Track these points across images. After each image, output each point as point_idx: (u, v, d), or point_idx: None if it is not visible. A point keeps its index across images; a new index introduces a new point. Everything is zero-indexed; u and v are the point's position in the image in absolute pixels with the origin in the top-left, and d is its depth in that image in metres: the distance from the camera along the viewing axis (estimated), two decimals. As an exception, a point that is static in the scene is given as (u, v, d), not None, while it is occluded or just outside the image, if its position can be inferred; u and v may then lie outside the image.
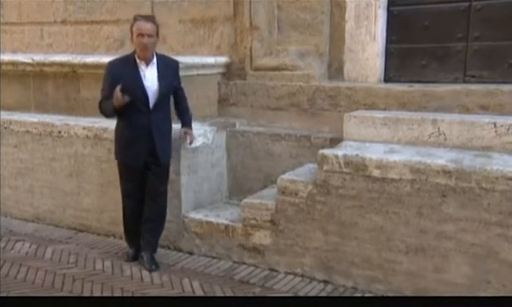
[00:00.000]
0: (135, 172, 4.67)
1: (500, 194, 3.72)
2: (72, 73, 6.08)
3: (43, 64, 6.27)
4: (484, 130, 4.21)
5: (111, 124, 5.36)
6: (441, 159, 4.02)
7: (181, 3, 6.18)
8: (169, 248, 5.21)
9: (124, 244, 5.15)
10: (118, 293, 4.30)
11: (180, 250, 5.17)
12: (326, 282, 4.49)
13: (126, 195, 4.79)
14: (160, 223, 4.84)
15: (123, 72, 4.39)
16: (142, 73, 4.43)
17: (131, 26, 4.42)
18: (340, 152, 4.35)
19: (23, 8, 7.47)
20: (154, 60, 4.48)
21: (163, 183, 4.74)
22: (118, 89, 4.23)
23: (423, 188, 4.00)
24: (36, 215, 6.10)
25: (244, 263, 4.86)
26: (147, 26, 4.36)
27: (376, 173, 4.17)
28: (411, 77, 5.20)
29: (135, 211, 4.79)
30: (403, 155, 4.17)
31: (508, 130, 4.13)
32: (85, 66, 5.98)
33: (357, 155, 4.25)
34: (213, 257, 5.01)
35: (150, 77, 4.45)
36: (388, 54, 5.32)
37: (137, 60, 4.43)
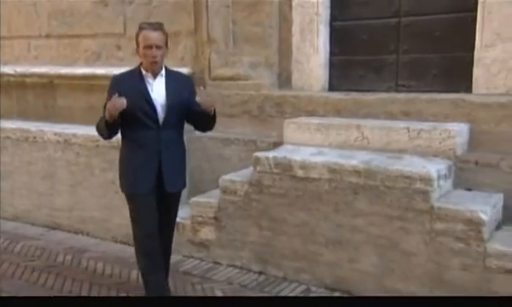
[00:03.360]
0: (146, 203, 4.02)
1: (400, 191, 4.14)
2: (49, 84, 6.62)
3: (25, 75, 6.85)
4: (399, 134, 4.64)
5: (79, 130, 5.92)
6: (355, 160, 4.44)
7: (149, 18, 6.64)
8: (128, 244, 5.64)
9: (91, 240, 5.67)
10: (69, 283, 4.77)
11: (138, 245, 5.61)
12: (261, 273, 4.92)
13: (145, 235, 4.07)
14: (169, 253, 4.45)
15: (128, 86, 3.87)
16: (149, 86, 3.92)
17: (137, 36, 3.91)
18: (270, 154, 4.79)
19: (12, 23, 8.00)
20: (163, 72, 3.99)
21: (168, 214, 4.26)
22: (116, 96, 3.74)
23: (339, 187, 4.43)
24: (15, 214, 6.62)
25: (192, 257, 5.30)
26: (154, 36, 3.84)
27: (300, 173, 4.60)
28: (351, 86, 5.61)
29: (155, 252, 4.15)
30: (324, 157, 4.60)
31: (418, 134, 4.55)
32: (60, 76, 6.54)
33: (284, 157, 4.69)
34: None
35: (158, 89, 3.94)
36: (332, 65, 5.74)
37: (143, 72, 3.93)
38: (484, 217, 3.84)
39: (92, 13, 7.07)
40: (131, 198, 4.07)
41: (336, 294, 4.47)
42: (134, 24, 6.58)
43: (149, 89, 3.93)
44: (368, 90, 5.47)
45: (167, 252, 4.38)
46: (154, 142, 3.94)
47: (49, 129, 6.24)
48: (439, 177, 4.12)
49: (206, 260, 5.22)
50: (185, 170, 4.26)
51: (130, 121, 3.88)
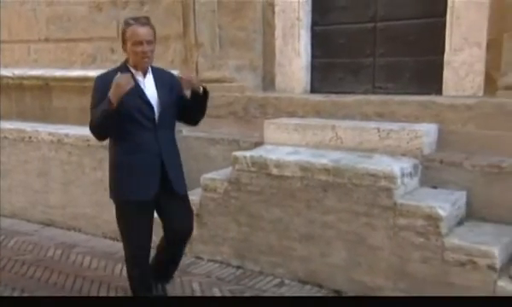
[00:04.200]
0: (144, 212, 3.83)
1: (366, 188, 4.34)
2: (45, 86, 6.88)
3: (22, 77, 7.11)
4: (370, 134, 4.84)
5: (72, 130, 6.17)
6: (326, 159, 4.65)
7: (141, 23, 6.91)
8: (117, 240, 5.87)
9: (82, 236, 5.94)
10: (55, 275, 5.02)
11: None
12: (238, 268, 5.13)
13: (137, 246, 3.94)
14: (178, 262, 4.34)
15: None
16: (141, 84, 3.73)
17: (123, 32, 3.70)
18: (248, 153, 5.01)
19: (13, 28, 8.27)
20: (150, 69, 3.81)
21: (189, 215, 4.15)
22: (119, 75, 3.56)
23: (310, 184, 4.64)
24: (12, 211, 6.89)
25: (177, 253, 5.51)
26: (144, 31, 3.64)
27: (275, 171, 4.82)
28: (332, 88, 5.82)
29: (147, 263, 4.08)
30: (298, 156, 4.82)
31: (388, 134, 4.75)
32: (55, 79, 6.80)
33: (260, 156, 4.91)
34: (153, 248, 5.66)
35: (149, 87, 3.77)
36: (313, 67, 5.95)
37: (132, 71, 3.72)
38: (442, 212, 4.03)
39: (87, 18, 7.32)
40: (127, 205, 3.79)
41: (308, 287, 4.67)
42: (127, 28, 6.87)
43: (142, 87, 3.74)
44: (347, 92, 5.66)
45: (175, 261, 4.29)
46: (152, 143, 3.73)
47: (44, 129, 6.50)
48: (403, 175, 4.31)
49: (188, 255, 5.42)
50: (183, 170, 4.09)
51: (124, 122, 3.64)
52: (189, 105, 3.94)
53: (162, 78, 3.88)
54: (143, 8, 6.83)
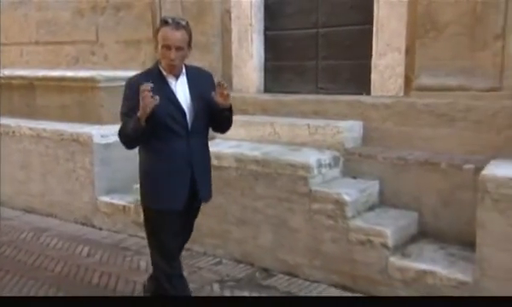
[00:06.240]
0: (173, 221, 3.68)
1: (287, 177, 4.89)
2: (30, 85, 7.51)
3: (11, 77, 7.73)
4: (301, 130, 5.39)
5: (49, 125, 6.80)
6: (258, 151, 5.20)
7: (117, 27, 7.54)
8: (86, 225, 6.51)
9: (56, 222, 6.58)
10: (22, 253, 5.63)
11: (93, 226, 6.47)
12: (188, 249, 5.66)
13: (165, 255, 3.74)
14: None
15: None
16: (173, 88, 3.52)
17: (156, 32, 3.50)
18: (194, 146, 5.57)
19: (9, 32, 8.98)
20: (184, 70, 3.60)
21: (191, 221, 4.05)
22: (145, 85, 3.27)
23: (243, 174, 5.19)
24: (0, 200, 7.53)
25: (136, 236, 6.07)
26: (176, 36, 3.41)
27: (215, 162, 5.33)
28: (282, 88, 6.36)
29: (174, 268, 3.84)
30: (237, 149, 5.37)
31: (316, 130, 5.30)
32: (38, 79, 7.42)
33: (204, 149, 5.46)
34: (115, 232, 6.29)
35: (182, 91, 3.55)
36: (266, 69, 6.50)
37: (164, 73, 3.52)
38: (347, 198, 4.57)
39: (71, 22, 7.99)
40: (157, 214, 3.66)
41: (241, 265, 5.21)
42: (105, 32, 7.51)
43: (174, 90, 3.53)
44: (294, 92, 6.18)
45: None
46: (183, 151, 3.54)
47: (25, 124, 7.12)
48: (320, 166, 4.86)
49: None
50: (211, 177, 3.93)
51: (155, 128, 3.42)
52: (216, 113, 3.64)
53: (197, 80, 3.64)
54: (119, 14, 7.47)
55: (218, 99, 3.47)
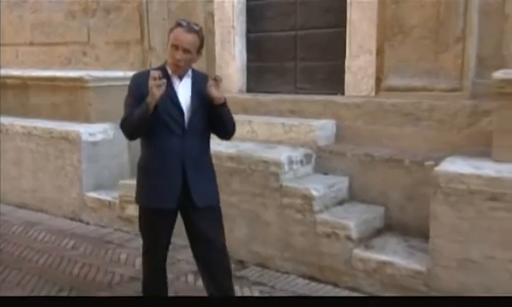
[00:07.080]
0: (164, 219, 3.71)
1: (260, 173, 5.12)
2: (23, 85, 7.77)
3: (6, 77, 8.00)
4: (277, 128, 5.62)
5: (40, 123, 7.05)
6: (235, 148, 5.43)
7: (107, 29, 7.79)
8: (74, 220, 6.76)
9: (45, 216, 6.82)
10: (10, 245, 5.87)
11: (81, 221, 6.71)
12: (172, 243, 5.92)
13: (149, 251, 3.86)
14: (227, 262, 3.96)
15: None
16: (175, 87, 3.56)
17: (170, 31, 3.53)
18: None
19: (5, 33, 9.25)
20: (190, 72, 3.63)
21: (213, 227, 3.81)
22: (155, 72, 3.37)
23: (220, 171, 5.35)
24: (-6, 196, 7.79)
25: (121, 230, 6.33)
26: (186, 38, 3.43)
27: (194, 159, 5.61)
28: (264, 88, 6.59)
29: (160, 265, 3.97)
30: (216, 147, 5.55)
31: (290, 128, 5.53)
32: (31, 78, 7.68)
33: (184, 146, 5.70)
34: (102, 226, 6.52)
35: (184, 92, 3.58)
36: (248, 70, 6.73)
37: (169, 72, 3.55)
38: (315, 193, 4.80)
39: (63, 24, 8.25)
40: (144, 210, 3.75)
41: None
42: (96, 33, 7.76)
43: (176, 90, 3.57)
44: (276, 92, 6.41)
45: (226, 260, 3.96)
46: (176, 150, 3.55)
47: (18, 122, 7.37)
48: (291, 162, 5.08)
49: (130, 233, 6.21)
50: (216, 182, 3.88)
51: (153, 123, 3.47)
52: (212, 115, 3.64)
53: (199, 84, 3.61)
54: (109, 16, 7.71)
55: (211, 90, 3.48)
